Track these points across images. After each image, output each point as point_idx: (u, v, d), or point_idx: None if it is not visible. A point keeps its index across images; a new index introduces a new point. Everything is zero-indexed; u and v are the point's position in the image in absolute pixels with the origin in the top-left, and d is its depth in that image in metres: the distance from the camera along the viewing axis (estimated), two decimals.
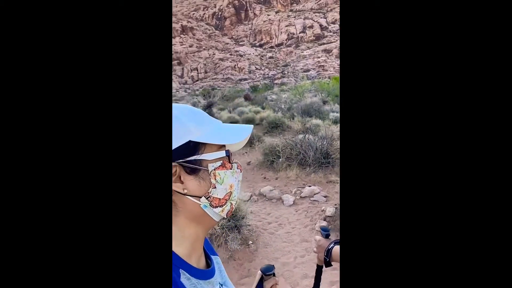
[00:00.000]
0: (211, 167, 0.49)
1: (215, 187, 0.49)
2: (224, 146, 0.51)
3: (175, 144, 0.46)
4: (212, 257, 0.59)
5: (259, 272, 0.78)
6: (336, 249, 0.92)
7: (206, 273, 0.52)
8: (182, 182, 0.47)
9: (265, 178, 5.11)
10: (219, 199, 0.50)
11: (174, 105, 0.49)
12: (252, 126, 0.56)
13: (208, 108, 8.77)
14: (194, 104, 9.84)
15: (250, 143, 7.01)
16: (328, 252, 0.93)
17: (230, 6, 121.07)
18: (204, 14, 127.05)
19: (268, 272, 0.78)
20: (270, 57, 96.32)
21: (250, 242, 3.16)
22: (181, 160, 0.47)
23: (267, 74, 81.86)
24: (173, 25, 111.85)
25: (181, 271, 0.47)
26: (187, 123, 0.48)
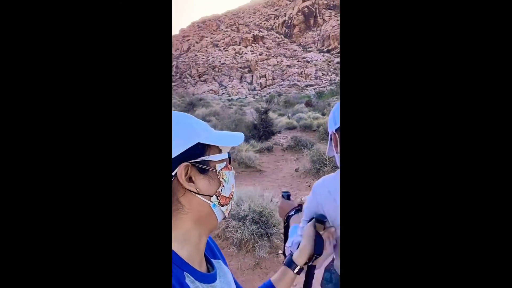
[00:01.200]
0: (218, 167, 0.53)
1: (223, 186, 0.53)
2: (220, 150, 0.55)
3: (186, 146, 0.49)
4: (214, 261, 0.59)
5: (313, 220, 0.76)
6: (295, 217, 0.94)
7: (209, 277, 0.53)
8: (193, 182, 0.50)
9: (309, 186, 4.90)
10: (226, 197, 0.53)
11: (180, 113, 0.53)
12: (243, 134, 0.60)
13: (264, 114, 8.86)
14: (257, 110, 10.05)
15: (301, 149, 6.84)
16: (288, 218, 0.95)
17: (300, 13, 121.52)
18: (274, 23, 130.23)
19: (319, 219, 0.77)
20: (338, 63, 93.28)
21: (280, 251, 3.04)
22: (193, 161, 0.49)
23: (334, 80, 79.34)
24: (246, 35, 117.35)
25: (185, 273, 0.48)
26: (196, 127, 0.52)
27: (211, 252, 0.61)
